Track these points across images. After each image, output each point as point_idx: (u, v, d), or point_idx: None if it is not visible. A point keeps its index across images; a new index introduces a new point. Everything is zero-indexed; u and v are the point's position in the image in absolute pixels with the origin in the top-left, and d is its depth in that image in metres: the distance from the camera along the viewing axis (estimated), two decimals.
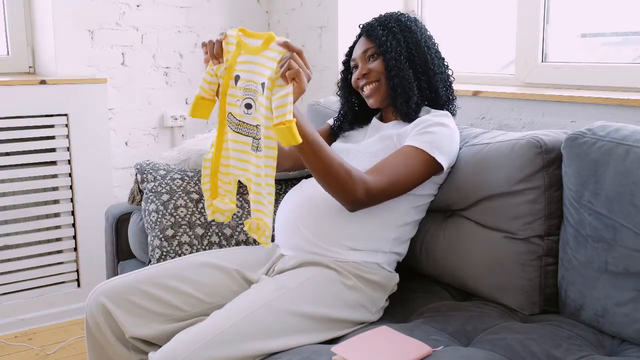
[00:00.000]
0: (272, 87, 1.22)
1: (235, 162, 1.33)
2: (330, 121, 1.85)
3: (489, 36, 2.35)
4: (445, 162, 1.53)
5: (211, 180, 1.37)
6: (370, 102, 1.66)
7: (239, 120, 1.30)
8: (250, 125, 1.28)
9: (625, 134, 1.37)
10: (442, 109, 1.67)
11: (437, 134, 1.53)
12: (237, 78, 1.29)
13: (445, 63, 1.70)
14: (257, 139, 1.27)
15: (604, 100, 1.69)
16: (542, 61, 2.04)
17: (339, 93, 1.80)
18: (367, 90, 1.65)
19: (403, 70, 1.60)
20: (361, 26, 1.70)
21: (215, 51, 1.31)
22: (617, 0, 1.91)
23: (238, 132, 1.30)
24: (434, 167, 1.53)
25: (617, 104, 1.66)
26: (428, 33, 1.69)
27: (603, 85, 1.85)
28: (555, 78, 1.98)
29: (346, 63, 1.75)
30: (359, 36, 1.70)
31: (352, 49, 1.73)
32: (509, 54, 2.15)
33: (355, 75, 1.67)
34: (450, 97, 1.70)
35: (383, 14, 1.70)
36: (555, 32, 2.03)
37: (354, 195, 1.42)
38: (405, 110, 1.61)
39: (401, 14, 1.69)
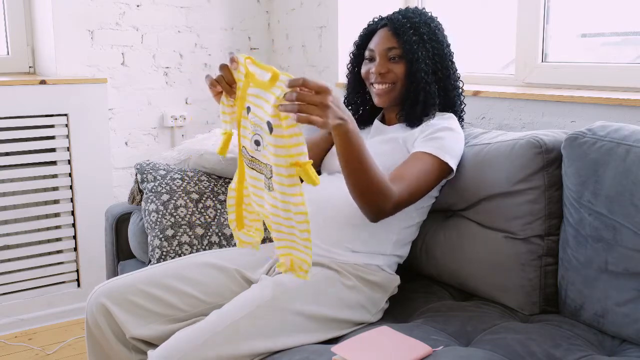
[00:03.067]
0: (280, 125, 1.11)
1: (254, 197, 1.25)
2: None
3: (489, 36, 2.35)
4: (455, 166, 1.54)
5: (236, 211, 1.29)
6: (377, 101, 1.64)
7: (251, 156, 1.21)
8: (261, 162, 1.18)
9: (625, 134, 1.37)
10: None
11: (445, 138, 1.53)
12: (248, 109, 1.18)
13: (458, 74, 1.69)
14: (268, 178, 1.17)
15: (604, 100, 1.69)
16: (542, 61, 2.04)
17: (347, 78, 1.75)
18: (378, 88, 1.61)
19: (429, 83, 1.57)
20: (386, 17, 1.63)
21: (227, 79, 1.19)
22: (617, 0, 1.91)
23: (251, 168, 1.22)
24: (445, 171, 1.53)
25: (617, 104, 1.66)
26: (448, 40, 1.66)
27: (603, 85, 1.85)
28: (555, 78, 1.98)
29: (360, 47, 1.68)
30: (381, 26, 1.63)
31: (367, 35, 1.66)
32: (509, 54, 2.15)
33: (370, 69, 1.62)
34: (462, 108, 1.71)
35: (410, 9, 1.64)
36: (555, 32, 2.03)
37: (383, 208, 1.39)
38: (413, 117, 1.60)
39: (429, 16, 1.64)
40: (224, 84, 1.20)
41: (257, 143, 1.17)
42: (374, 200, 1.37)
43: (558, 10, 2.01)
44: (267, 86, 1.13)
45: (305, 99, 1.09)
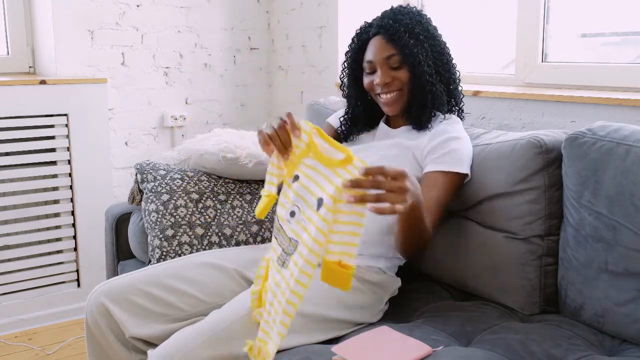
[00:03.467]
0: (334, 211, 1.01)
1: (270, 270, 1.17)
2: (332, 120, 1.82)
3: (489, 36, 2.35)
4: (469, 171, 1.55)
5: (262, 284, 1.20)
6: (387, 110, 1.61)
7: (279, 225, 1.14)
8: (286, 234, 1.10)
9: (625, 134, 1.37)
10: (452, 112, 1.67)
11: (456, 150, 1.53)
12: (295, 178, 1.11)
13: (454, 64, 1.67)
14: (286, 253, 1.09)
15: (604, 100, 1.69)
16: (542, 61, 2.04)
17: (345, 94, 1.73)
18: (385, 98, 1.59)
19: (434, 84, 1.56)
20: (376, 24, 1.59)
21: (283, 140, 1.14)
22: (617, 0, 1.91)
23: (274, 236, 1.15)
24: (462, 179, 1.55)
25: (617, 104, 1.66)
26: (439, 32, 1.63)
27: (603, 85, 1.85)
28: (555, 78, 1.98)
29: (356, 59, 1.65)
30: (373, 34, 1.59)
31: (361, 45, 1.63)
32: (509, 54, 2.15)
33: (373, 80, 1.59)
34: (461, 98, 1.70)
35: (396, 10, 1.60)
36: (555, 32, 2.03)
37: (425, 248, 1.45)
38: (421, 120, 1.58)
39: (418, 13, 1.60)
40: (279, 143, 1.14)
41: (293, 214, 1.10)
42: (421, 246, 1.42)
43: (558, 10, 2.01)
44: (334, 164, 1.06)
45: (384, 186, 1.03)
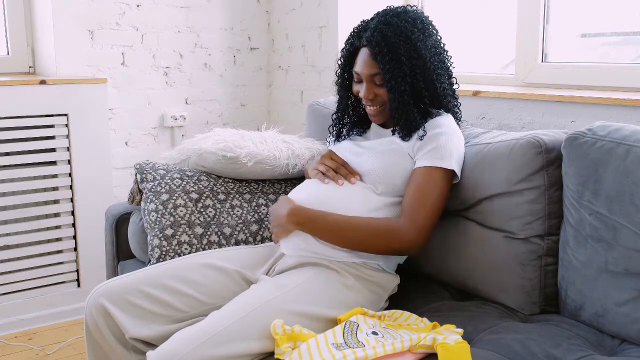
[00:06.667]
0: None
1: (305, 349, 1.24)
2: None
3: (489, 36, 2.35)
4: (457, 167, 1.54)
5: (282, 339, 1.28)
6: (372, 120, 1.65)
7: (354, 329, 1.32)
8: (356, 337, 1.28)
9: (625, 134, 1.37)
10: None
11: (442, 146, 1.52)
12: (356, 325, 1.34)
13: (450, 72, 1.65)
14: (347, 345, 1.24)
15: (604, 100, 1.69)
16: (542, 61, 2.04)
17: (337, 91, 1.74)
18: (370, 109, 1.62)
19: (406, 112, 1.55)
20: (366, 36, 1.57)
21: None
22: (617, 0, 1.91)
23: (342, 328, 1.31)
24: (451, 175, 1.54)
25: (617, 104, 1.66)
26: (437, 43, 1.60)
27: (603, 85, 1.85)
28: (555, 78, 1.98)
29: (347, 63, 1.66)
30: (363, 45, 1.58)
31: (352, 51, 1.63)
32: (509, 54, 2.15)
33: (359, 91, 1.61)
34: (456, 104, 1.69)
35: (389, 21, 1.55)
36: (555, 32, 2.03)
37: (406, 244, 1.46)
38: (406, 130, 1.58)
39: (410, 27, 1.54)
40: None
41: (375, 333, 1.29)
42: (385, 247, 1.48)
43: (558, 10, 2.01)
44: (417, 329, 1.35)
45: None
